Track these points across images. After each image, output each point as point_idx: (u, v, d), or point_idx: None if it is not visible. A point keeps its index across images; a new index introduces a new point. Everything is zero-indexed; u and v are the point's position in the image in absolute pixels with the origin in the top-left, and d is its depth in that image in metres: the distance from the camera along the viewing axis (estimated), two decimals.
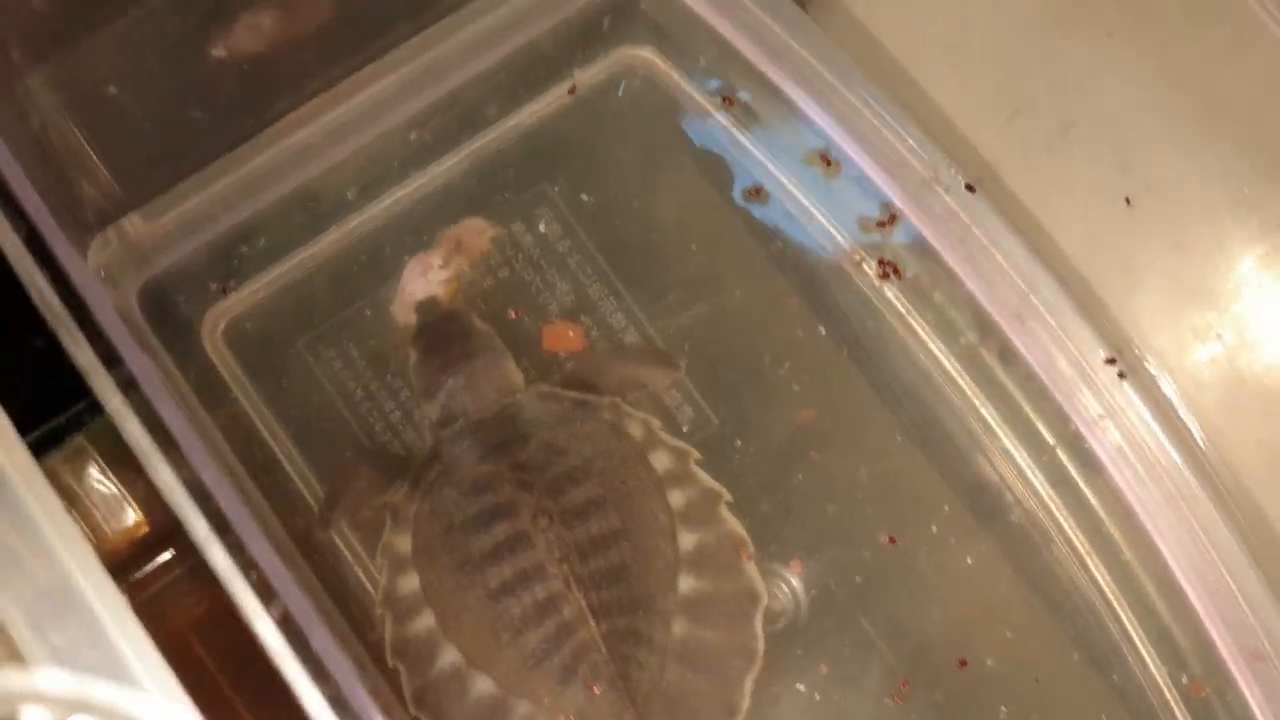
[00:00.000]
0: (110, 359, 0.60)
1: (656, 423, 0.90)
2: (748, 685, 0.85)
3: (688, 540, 0.87)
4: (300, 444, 0.93)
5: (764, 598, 0.87)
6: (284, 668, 0.56)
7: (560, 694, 0.83)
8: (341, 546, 0.91)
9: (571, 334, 0.95)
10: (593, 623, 0.83)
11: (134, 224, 0.93)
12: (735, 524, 0.88)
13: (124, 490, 0.90)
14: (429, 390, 0.92)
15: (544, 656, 0.83)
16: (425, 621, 0.85)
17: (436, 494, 0.87)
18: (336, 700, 0.57)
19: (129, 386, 0.60)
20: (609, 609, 0.84)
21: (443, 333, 0.93)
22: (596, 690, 0.83)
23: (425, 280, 0.96)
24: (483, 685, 0.84)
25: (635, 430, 0.89)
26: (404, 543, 0.87)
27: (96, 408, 0.81)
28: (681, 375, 0.95)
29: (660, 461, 0.88)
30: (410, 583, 0.86)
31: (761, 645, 0.86)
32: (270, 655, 0.57)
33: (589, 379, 0.93)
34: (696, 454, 0.89)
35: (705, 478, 0.88)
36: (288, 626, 0.57)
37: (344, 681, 0.58)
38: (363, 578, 0.90)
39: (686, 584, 0.86)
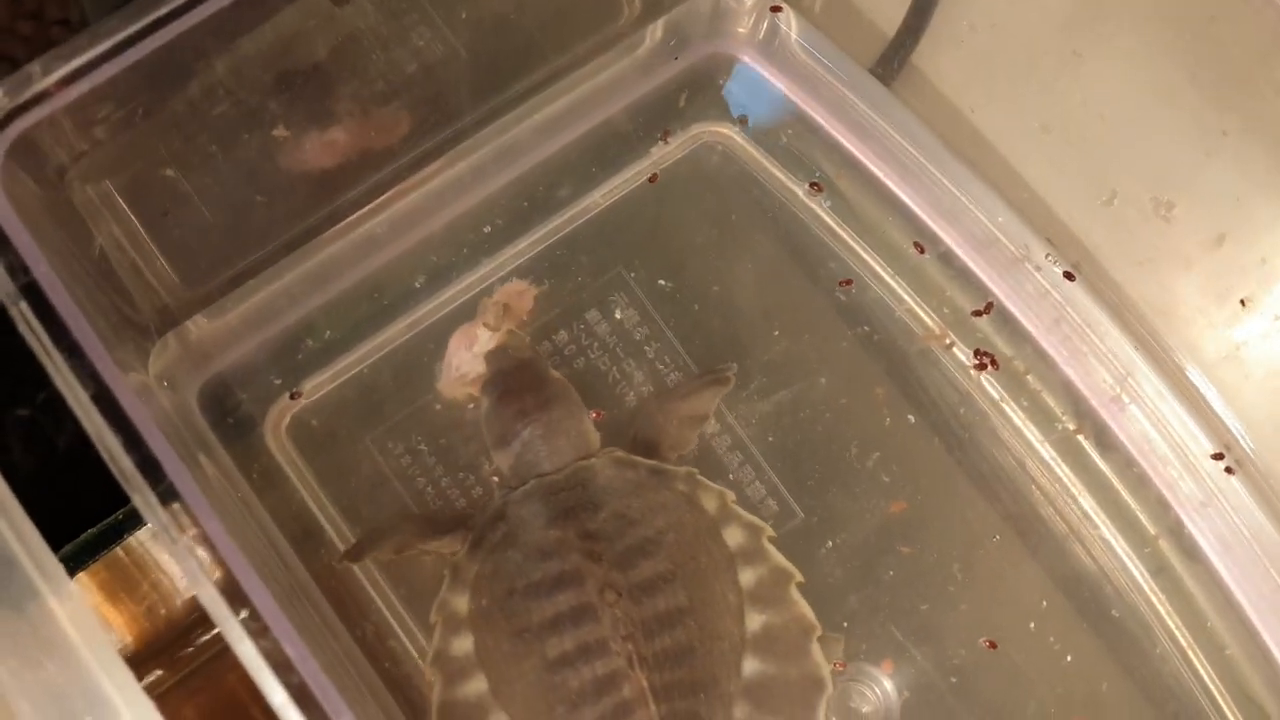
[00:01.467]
0: (154, 477, 0.68)
1: (731, 495, 0.95)
2: None
3: (755, 621, 0.91)
4: (369, 534, 0.98)
5: (829, 686, 0.91)
6: None
7: None
8: (409, 646, 0.95)
9: None
10: (652, 705, 0.87)
11: (198, 324, 1.00)
12: (805, 606, 0.92)
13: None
14: (503, 439, 0.97)
15: None
16: (476, 686, 0.90)
17: (500, 555, 0.92)
18: None
19: (171, 500, 0.68)
20: (670, 690, 0.88)
21: (518, 380, 0.98)
22: None
23: (471, 353, 1.02)
24: None
25: (710, 503, 0.95)
26: (461, 603, 0.92)
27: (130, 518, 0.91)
28: (732, 383, 1.01)
29: (733, 537, 0.93)
30: (464, 644, 0.91)
31: None
32: None
33: (653, 435, 0.99)
34: (770, 530, 0.94)
35: (777, 556, 0.93)
36: None
37: None
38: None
39: (751, 667, 0.90)
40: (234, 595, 0.65)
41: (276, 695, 0.63)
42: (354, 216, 1.03)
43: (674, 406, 0.99)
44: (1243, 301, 0.94)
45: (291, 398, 1.01)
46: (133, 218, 0.90)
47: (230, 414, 0.98)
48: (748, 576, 0.91)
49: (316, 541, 0.97)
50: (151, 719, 0.64)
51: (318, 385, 1.02)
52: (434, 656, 0.90)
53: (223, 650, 0.96)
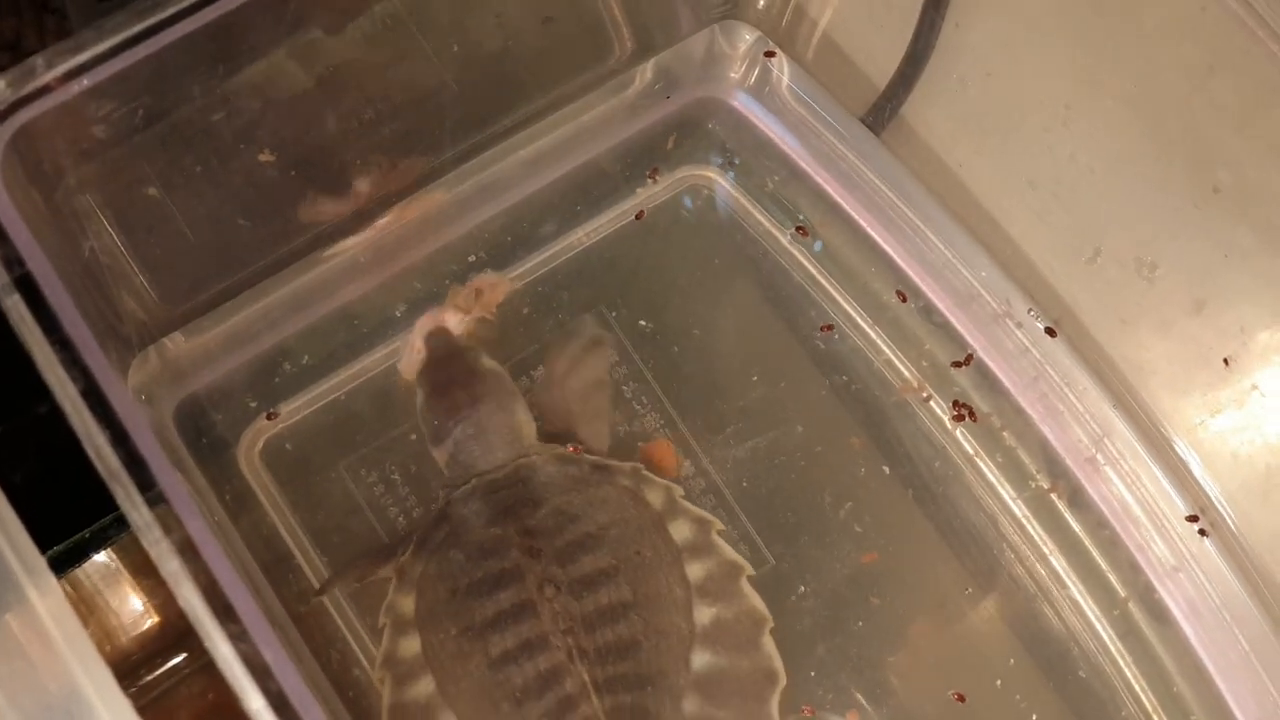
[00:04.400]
0: (141, 479, 0.68)
1: (679, 490, 0.96)
2: None
3: (705, 614, 0.92)
4: (332, 560, 0.99)
5: (782, 678, 0.91)
6: None
7: None
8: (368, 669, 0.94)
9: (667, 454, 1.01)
10: (595, 698, 0.88)
11: (175, 342, 1.00)
12: (756, 599, 0.93)
13: (146, 597, 0.97)
14: (436, 435, 0.98)
15: None
16: (424, 687, 0.90)
17: (443, 555, 0.93)
18: None
19: (158, 505, 0.68)
20: (614, 684, 0.89)
21: (450, 374, 0.99)
22: None
23: None
24: None
25: (655, 498, 0.96)
26: (408, 604, 0.93)
27: (124, 521, 0.91)
28: (607, 342, 1.03)
29: (680, 531, 0.94)
30: (412, 645, 0.91)
31: None
32: None
33: (562, 424, 1.00)
34: (719, 524, 0.95)
35: (727, 549, 0.94)
36: None
37: None
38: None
39: (701, 660, 0.91)
40: (215, 599, 0.64)
41: (254, 701, 0.62)
42: (336, 243, 1.03)
43: (562, 386, 1.01)
44: (1225, 361, 0.95)
45: (268, 418, 1.01)
46: (118, 231, 0.91)
47: (205, 434, 0.98)
48: (696, 570, 0.92)
49: (286, 567, 0.97)
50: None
51: (294, 410, 1.03)
52: (383, 659, 0.91)
53: (170, 689, 0.96)
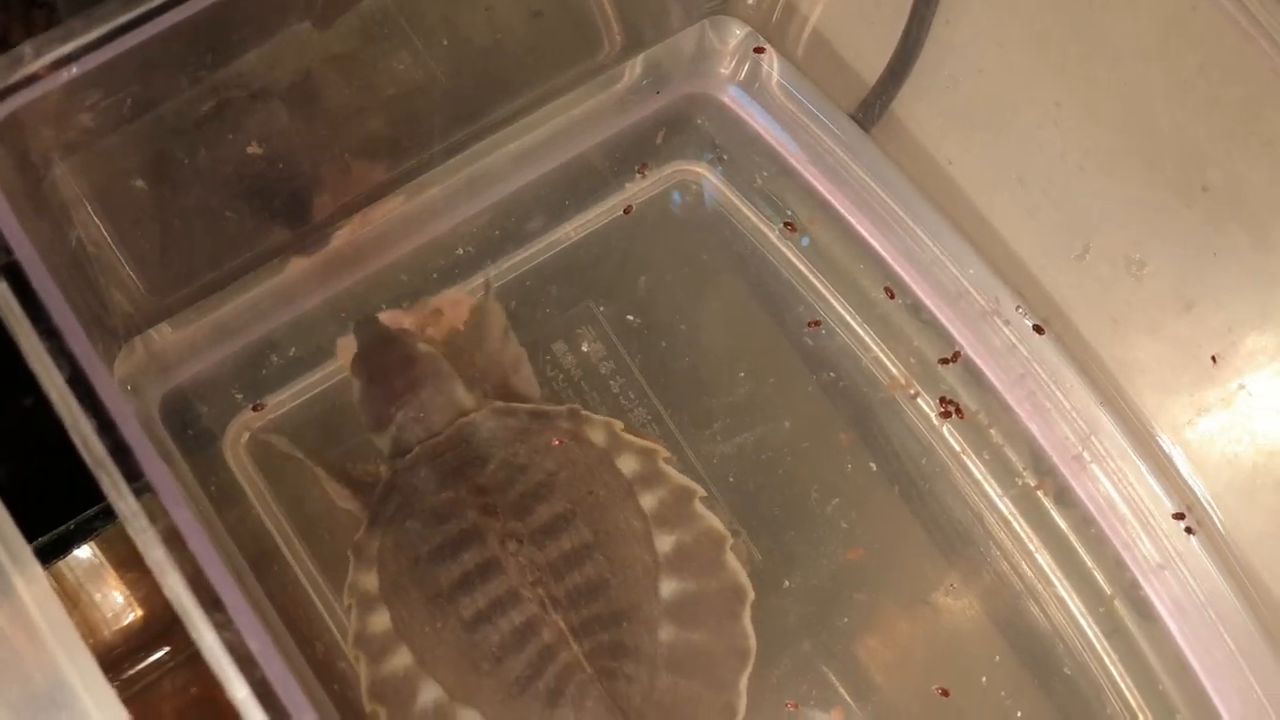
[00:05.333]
0: (127, 467, 0.67)
1: (619, 424, 0.96)
2: (743, 684, 0.91)
3: (665, 542, 0.93)
4: (320, 563, 0.99)
5: (750, 592, 0.92)
6: None
7: (550, 718, 0.87)
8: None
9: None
10: (574, 643, 0.89)
11: (162, 333, 1.00)
12: (713, 519, 0.94)
13: (129, 590, 0.97)
14: (377, 423, 0.98)
15: (528, 683, 0.89)
16: (401, 659, 0.91)
17: (398, 527, 0.93)
18: None
19: (144, 495, 0.67)
20: (590, 626, 0.90)
21: (385, 361, 0.98)
22: (586, 709, 0.88)
23: None
24: (468, 718, 0.89)
25: (597, 436, 0.96)
26: (370, 580, 0.93)
27: (109, 513, 0.90)
28: (490, 286, 1.04)
29: (627, 464, 0.95)
30: (381, 621, 0.92)
31: (753, 642, 0.91)
32: None
33: (497, 376, 1.01)
34: (665, 452, 0.96)
35: (676, 475, 0.95)
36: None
37: None
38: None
39: (669, 588, 0.92)
40: (201, 588, 0.64)
41: (239, 690, 0.62)
42: (324, 236, 1.03)
43: (487, 337, 1.02)
44: (1214, 359, 0.94)
45: (254, 409, 1.00)
46: (105, 221, 0.90)
47: (190, 426, 0.98)
48: (649, 500, 0.92)
49: (271, 559, 0.97)
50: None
51: (280, 402, 1.03)
52: (354, 638, 0.91)
53: (153, 683, 0.96)
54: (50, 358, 0.67)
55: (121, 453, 0.66)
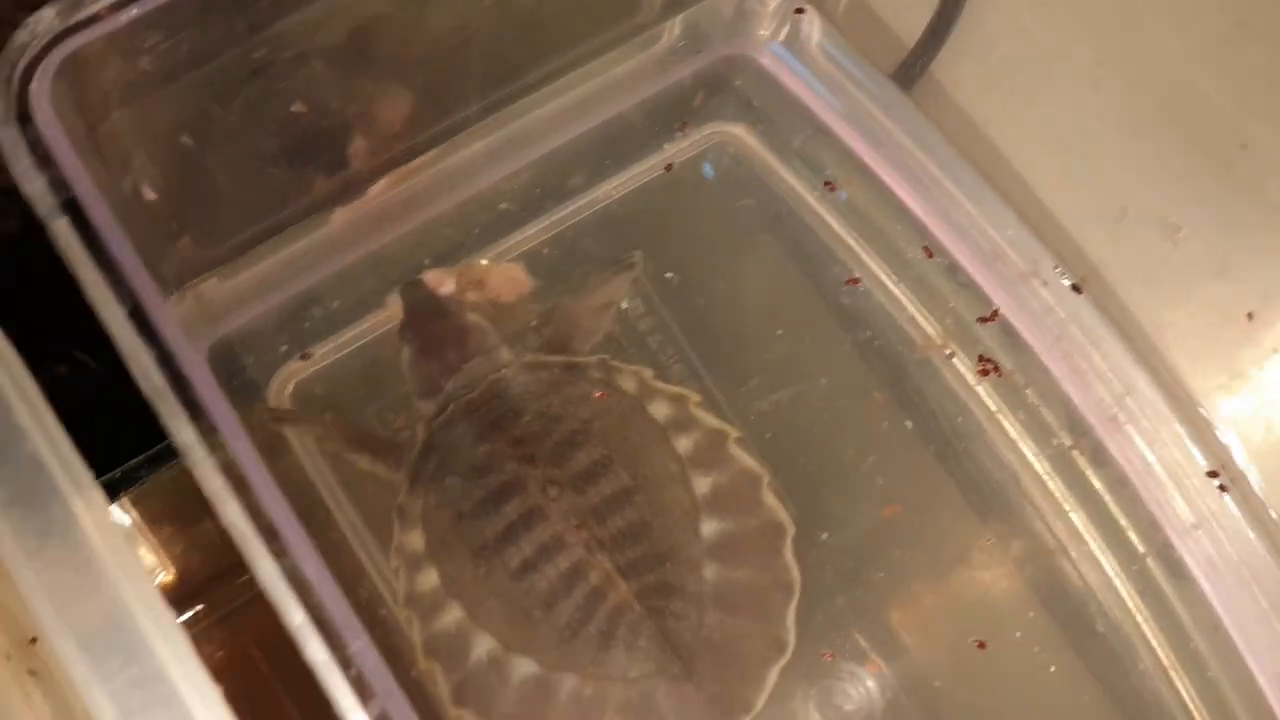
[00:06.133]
0: (186, 399, 0.69)
1: (649, 372, 0.98)
2: (790, 618, 0.92)
3: (702, 484, 0.94)
4: (359, 507, 1.00)
5: (790, 527, 0.94)
6: (336, 693, 0.66)
7: (603, 660, 0.88)
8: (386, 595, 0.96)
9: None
10: (622, 583, 0.90)
11: (209, 285, 1.00)
12: (747, 459, 0.95)
13: (162, 548, 0.97)
14: (429, 391, 0.99)
15: (580, 626, 0.90)
16: (452, 614, 0.92)
17: (439, 485, 0.94)
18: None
19: (207, 434, 0.69)
20: (635, 567, 0.91)
21: (438, 332, 1.00)
22: (639, 648, 0.89)
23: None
24: (524, 667, 0.90)
25: (628, 384, 0.97)
26: (416, 540, 0.94)
27: (152, 462, 0.91)
28: (638, 267, 1.04)
29: (659, 410, 0.96)
30: (429, 579, 0.93)
31: (797, 575, 0.93)
32: (323, 680, 0.66)
33: (567, 329, 1.02)
34: (696, 397, 0.97)
35: (709, 418, 0.96)
36: (348, 668, 0.66)
37: (397, 707, 0.66)
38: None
39: (709, 528, 0.93)
40: (258, 515, 0.65)
41: (295, 616, 0.63)
42: (367, 192, 1.03)
43: (587, 298, 1.02)
44: (1250, 316, 0.94)
45: (302, 357, 1.01)
46: (156, 172, 0.91)
47: (235, 377, 0.98)
48: (684, 444, 0.94)
49: (315, 509, 0.97)
50: (184, 652, 0.65)
51: (323, 354, 1.03)
52: (405, 597, 0.92)
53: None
54: (110, 291, 0.67)
55: (180, 384, 0.66)
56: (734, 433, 0.95)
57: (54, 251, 0.99)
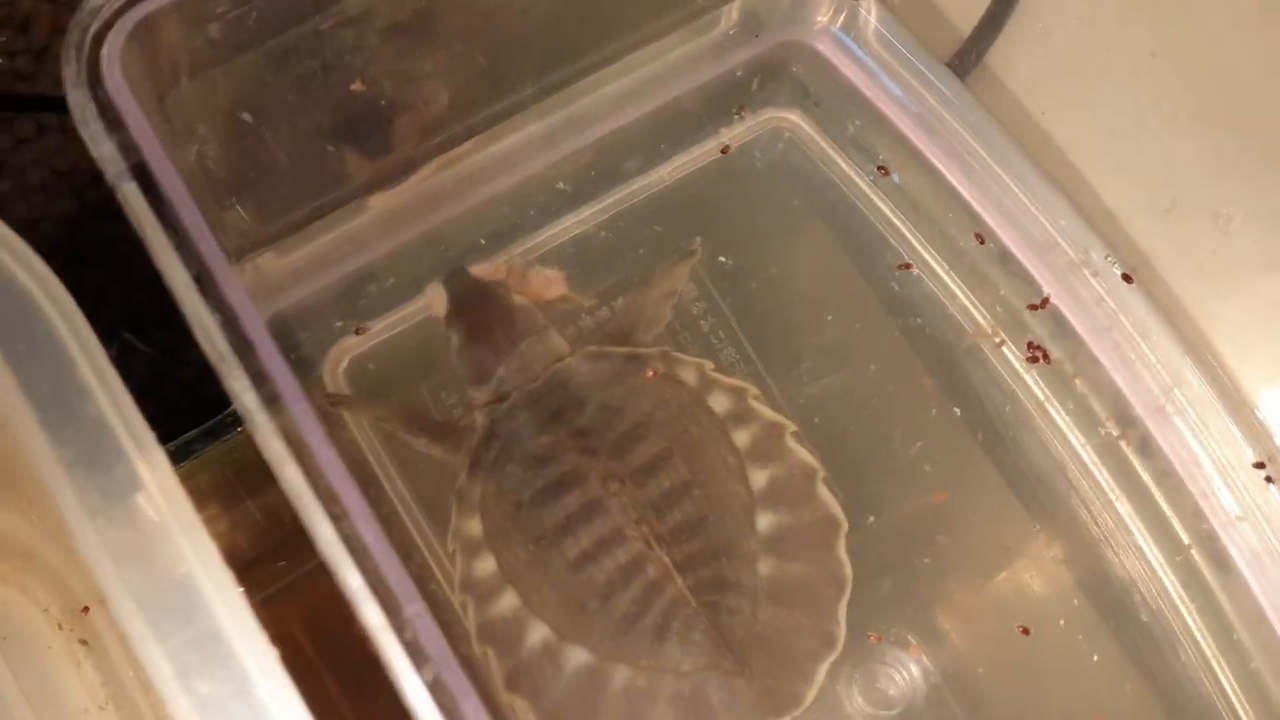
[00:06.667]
0: (249, 365, 0.70)
1: (709, 365, 0.98)
2: (842, 613, 0.92)
3: (759, 477, 0.95)
4: (411, 484, 1.00)
5: (844, 522, 0.94)
6: (391, 657, 0.66)
7: (657, 653, 0.88)
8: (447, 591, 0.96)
9: None
10: (678, 578, 0.90)
11: (266, 259, 1.01)
12: (804, 453, 0.95)
13: (207, 526, 0.98)
14: (478, 377, 0.99)
15: (635, 618, 0.89)
16: (508, 601, 0.92)
17: (499, 473, 0.95)
18: (436, 685, 0.66)
19: (269, 400, 0.69)
20: (692, 561, 0.91)
21: (484, 316, 1.00)
22: (693, 642, 0.89)
23: None
24: (577, 656, 0.91)
25: (689, 376, 0.97)
26: (474, 526, 0.94)
27: (208, 435, 0.91)
28: (697, 254, 1.05)
29: (719, 403, 0.97)
30: (487, 565, 0.93)
31: (849, 571, 0.93)
32: (378, 643, 0.66)
33: (630, 319, 1.02)
34: (754, 390, 0.97)
35: (767, 411, 0.96)
36: (403, 632, 0.66)
37: (451, 674, 0.66)
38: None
39: (765, 521, 0.94)
40: (316, 478, 0.65)
41: (353, 579, 0.63)
42: (424, 170, 1.03)
43: (650, 288, 1.02)
44: None
45: (357, 333, 1.02)
46: (219, 144, 0.92)
47: (291, 351, 0.97)
48: (742, 437, 0.94)
49: (368, 485, 0.97)
50: (242, 613, 0.66)
51: (377, 332, 1.04)
52: (460, 582, 0.92)
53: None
54: (176, 255, 0.68)
55: (244, 349, 0.67)
56: (791, 426, 0.95)
57: (106, 233, 1.00)
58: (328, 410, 0.97)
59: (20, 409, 0.65)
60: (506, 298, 0.99)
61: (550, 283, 1.04)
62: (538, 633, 0.91)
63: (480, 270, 1.02)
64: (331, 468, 0.66)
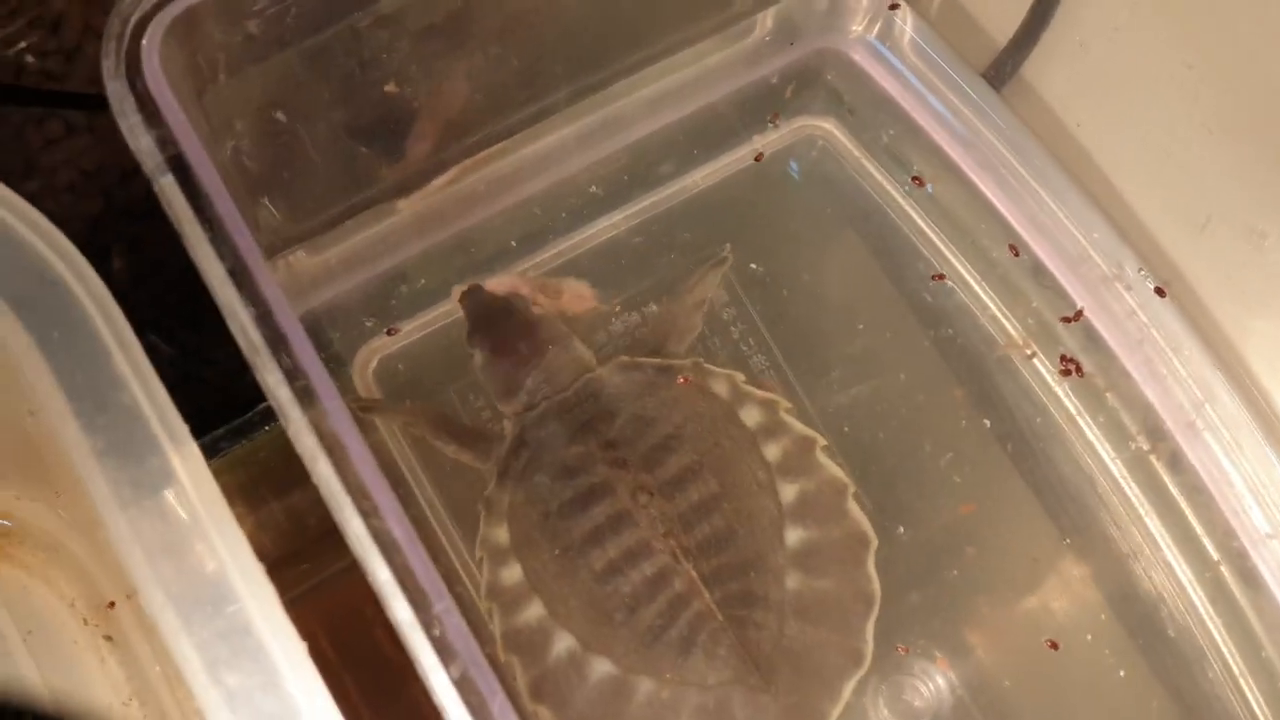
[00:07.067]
0: (283, 359, 0.71)
1: (741, 377, 0.97)
2: (869, 630, 0.92)
3: (789, 491, 0.94)
4: (439, 488, 1.00)
5: (873, 539, 0.94)
6: (419, 652, 0.66)
7: (682, 666, 0.88)
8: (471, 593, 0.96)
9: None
10: (705, 592, 0.90)
11: (298, 258, 1.01)
12: (834, 468, 0.95)
13: None
14: (507, 391, 0.99)
15: (661, 631, 0.89)
16: (534, 610, 0.92)
17: (528, 482, 0.94)
18: (463, 682, 0.65)
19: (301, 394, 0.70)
20: (720, 575, 0.91)
21: (505, 329, 0.99)
22: (718, 656, 0.89)
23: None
24: (601, 667, 0.90)
25: (721, 388, 0.97)
26: (501, 534, 0.94)
27: (235, 434, 0.91)
28: (729, 262, 1.04)
29: (750, 416, 0.96)
30: (513, 573, 0.93)
31: (878, 587, 0.92)
32: (405, 639, 0.66)
33: (663, 329, 1.01)
34: (786, 403, 0.97)
35: (798, 425, 0.96)
36: (431, 630, 0.66)
37: (478, 671, 0.66)
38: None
39: (794, 536, 0.93)
40: (348, 473, 0.65)
41: (382, 573, 0.63)
42: (455, 172, 1.03)
43: (682, 298, 1.02)
44: None
45: (388, 333, 1.02)
46: (254, 142, 0.92)
47: (322, 350, 0.97)
48: (772, 450, 0.93)
49: (396, 486, 0.94)
50: (271, 607, 0.65)
51: (407, 332, 1.04)
52: (487, 590, 0.92)
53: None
54: (211, 248, 0.68)
55: (278, 343, 0.67)
56: (821, 440, 0.95)
57: (133, 234, 1.00)
58: (358, 416, 0.95)
59: (53, 397, 0.65)
60: (525, 310, 0.99)
61: (581, 297, 1.03)
62: (563, 643, 0.91)
63: (499, 284, 1.02)
64: (363, 463, 0.66)
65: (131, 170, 0.77)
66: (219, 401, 1.04)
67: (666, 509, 0.90)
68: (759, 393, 0.96)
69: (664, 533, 0.89)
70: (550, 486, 0.92)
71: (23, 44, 1.14)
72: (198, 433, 0.87)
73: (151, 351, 0.74)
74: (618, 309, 1.04)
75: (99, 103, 0.70)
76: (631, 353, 0.99)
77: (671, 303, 1.02)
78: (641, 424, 0.94)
